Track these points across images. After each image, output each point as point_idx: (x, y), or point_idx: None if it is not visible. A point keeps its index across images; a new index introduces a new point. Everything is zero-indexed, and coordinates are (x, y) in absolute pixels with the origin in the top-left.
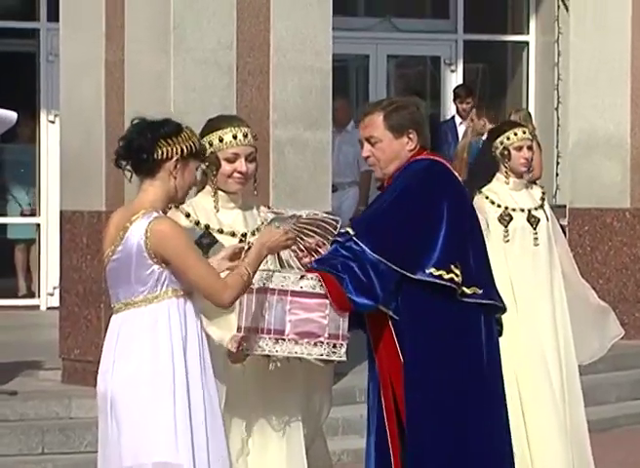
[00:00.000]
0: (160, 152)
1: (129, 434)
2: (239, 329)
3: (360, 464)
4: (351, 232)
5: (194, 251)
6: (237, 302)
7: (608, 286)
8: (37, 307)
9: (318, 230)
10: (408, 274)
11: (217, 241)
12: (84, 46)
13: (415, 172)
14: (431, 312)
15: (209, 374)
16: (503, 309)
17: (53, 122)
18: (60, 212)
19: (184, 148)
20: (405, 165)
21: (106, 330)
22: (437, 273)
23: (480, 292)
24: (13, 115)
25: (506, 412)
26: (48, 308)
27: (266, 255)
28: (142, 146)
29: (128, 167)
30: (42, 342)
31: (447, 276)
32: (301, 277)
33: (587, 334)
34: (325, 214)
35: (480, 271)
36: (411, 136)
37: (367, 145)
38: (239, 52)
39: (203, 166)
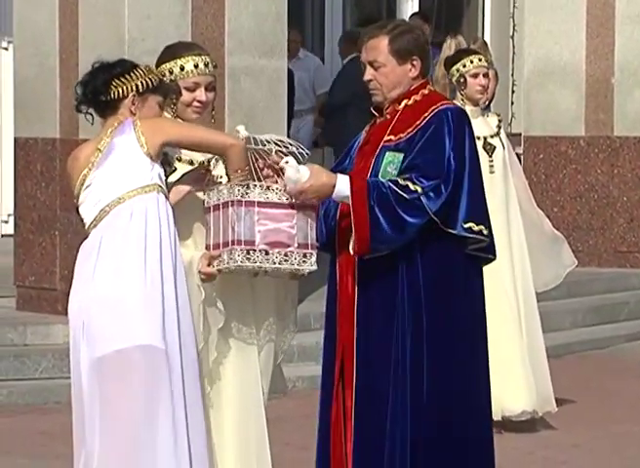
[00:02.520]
0: (115, 91)
1: (103, 324)
2: (208, 247)
3: (315, 391)
4: (419, 190)
5: (182, 121)
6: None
7: (562, 213)
8: None
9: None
10: (448, 230)
11: (175, 169)
12: None
13: (455, 127)
14: (454, 265)
15: (182, 273)
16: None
17: (6, 49)
18: (15, 139)
19: (139, 84)
20: (436, 108)
21: (61, 257)
22: (477, 228)
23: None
24: None
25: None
26: (2, 235)
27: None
28: (97, 88)
29: (89, 111)
30: None
31: (476, 228)
32: (267, 187)
33: (542, 262)
34: (294, 145)
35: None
36: (414, 62)
37: (369, 69)
38: None
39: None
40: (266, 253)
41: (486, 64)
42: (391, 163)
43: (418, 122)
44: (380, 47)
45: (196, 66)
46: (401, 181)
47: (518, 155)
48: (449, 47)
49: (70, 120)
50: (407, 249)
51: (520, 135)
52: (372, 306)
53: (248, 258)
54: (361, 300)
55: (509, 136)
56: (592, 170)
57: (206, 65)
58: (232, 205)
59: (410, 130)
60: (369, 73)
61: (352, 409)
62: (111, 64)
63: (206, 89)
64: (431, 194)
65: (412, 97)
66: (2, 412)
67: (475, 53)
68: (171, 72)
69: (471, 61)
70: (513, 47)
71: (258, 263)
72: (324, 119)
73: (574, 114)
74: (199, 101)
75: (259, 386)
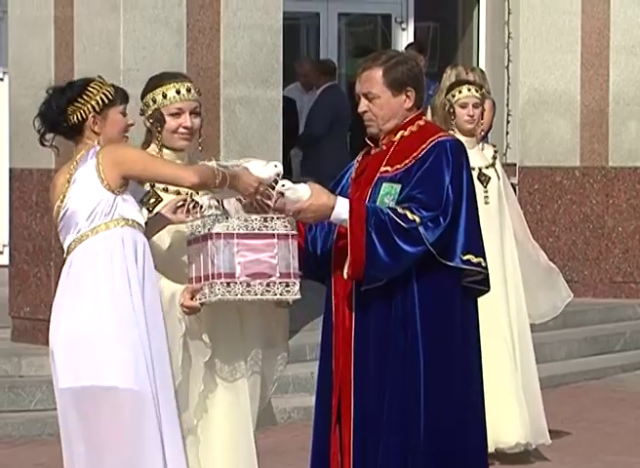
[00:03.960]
0: (73, 116)
1: (72, 357)
2: (190, 280)
3: (310, 422)
4: (417, 220)
5: (146, 152)
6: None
7: (557, 244)
8: None
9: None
10: (446, 262)
11: (162, 199)
12: (33, 3)
13: (454, 159)
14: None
15: (155, 310)
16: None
17: (2, 80)
18: (10, 169)
19: (95, 104)
20: (433, 139)
21: (56, 288)
22: (476, 260)
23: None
24: None
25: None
26: None
27: (232, 187)
28: (55, 118)
29: (54, 144)
30: None
31: (475, 260)
32: (245, 219)
33: (537, 295)
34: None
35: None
36: (409, 93)
37: (364, 100)
38: (189, 10)
39: (147, 123)
40: (248, 285)
41: (477, 94)
42: (388, 194)
43: (415, 153)
44: (374, 78)
45: (178, 92)
46: (400, 210)
47: (513, 185)
48: (449, 77)
49: (65, 150)
50: (404, 281)
51: (515, 165)
52: (369, 338)
53: (229, 291)
54: (358, 332)
55: (504, 166)
56: (587, 200)
57: (188, 91)
58: (211, 238)
59: (407, 161)
60: (363, 105)
61: (351, 443)
62: (62, 89)
63: (191, 114)
64: (430, 224)
65: (408, 129)
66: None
67: (468, 83)
68: (154, 101)
69: (460, 92)
70: (508, 77)
71: (239, 296)
72: (300, 150)
73: (569, 144)
74: (185, 127)
75: (248, 418)
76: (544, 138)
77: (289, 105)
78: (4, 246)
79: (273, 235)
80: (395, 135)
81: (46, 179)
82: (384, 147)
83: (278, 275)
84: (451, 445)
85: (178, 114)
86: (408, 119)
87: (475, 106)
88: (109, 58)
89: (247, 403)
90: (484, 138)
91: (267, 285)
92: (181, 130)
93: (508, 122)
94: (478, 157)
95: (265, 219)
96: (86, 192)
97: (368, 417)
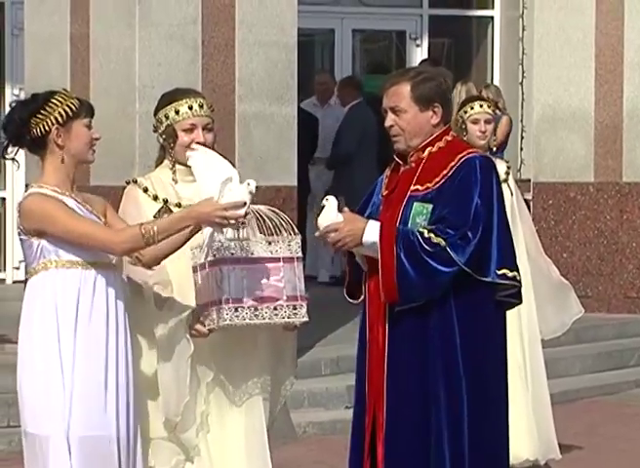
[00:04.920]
0: (36, 129)
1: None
2: (197, 306)
3: (325, 436)
4: (442, 243)
5: (65, 213)
6: (193, 282)
7: (572, 259)
8: (3, 281)
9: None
10: (482, 278)
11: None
12: (49, 20)
13: (482, 175)
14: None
15: (92, 342)
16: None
17: (18, 96)
18: (26, 185)
19: (58, 116)
20: (462, 156)
21: None
22: (511, 274)
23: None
24: None
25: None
26: (14, 282)
27: (191, 224)
28: (17, 131)
29: (16, 155)
30: (8, 315)
31: (510, 274)
32: (251, 244)
33: (549, 310)
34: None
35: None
36: (436, 109)
37: (391, 115)
38: (204, 26)
39: (160, 140)
40: (255, 310)
41: (488, 110)
42: (420, 214)
43: (445, 171)
44: (402, 93)
45: (190, 108)
46: (425, 234)
47: (527, 201)
48: (459, 93)
49: (81, 166)
50: (440, 299)
51: (529, 181)
52: (403, 354)
53: (237, 316)
54: (392, 349)
55: (518, 181)
56: (601, 216)
57: (201, 106)
58: (217, 263)
59: (437, 179)
60: (390, 119)
61: (383, 459)
62: (25, 102)
63: (203, 129)
64: (459, 242)
65: (435, 145)
66: (6, 460)
67: (481, 99)
68: (167, 117)
69: (471, 108)
70: (522, 93)
71: (247, 320)
72: (329, 169)
73: (583, 160)
74: (198, 143)
75: (264, 434)
76: (559, 154)
77: (310, 121)
78: (20, 262)
79: (279, 259)
80: (423, 151)
81: None
82: (413, 164)
83: (285, 298)
84: (488, 457)
85: (190, 130)
86: (435, 135)
87: (487, 122)
88: (125, 75)
89: (262, 417)
90: (498, 153)
91: (275, 308)
92: (194, 145)
93: (522, 138)
94: None
95: (270, 243)
96: (19, 237)
97: (403, 434)
